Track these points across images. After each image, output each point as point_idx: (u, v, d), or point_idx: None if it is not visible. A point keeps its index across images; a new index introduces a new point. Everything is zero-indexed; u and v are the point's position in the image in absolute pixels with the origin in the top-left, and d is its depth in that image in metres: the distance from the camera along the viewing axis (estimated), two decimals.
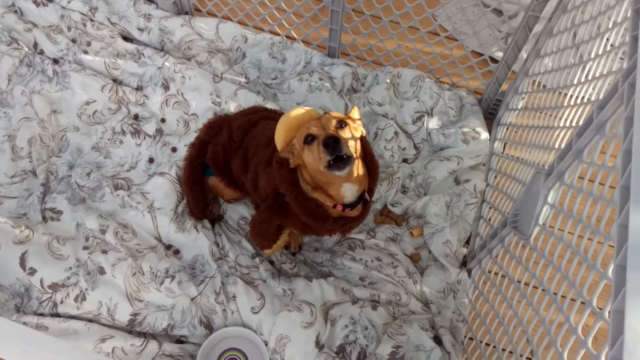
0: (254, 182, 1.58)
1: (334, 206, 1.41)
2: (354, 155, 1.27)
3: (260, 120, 1.68)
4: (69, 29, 2.22)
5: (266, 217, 1.54)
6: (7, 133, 1.96)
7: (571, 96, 1.56)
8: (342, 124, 1.32)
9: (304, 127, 1.34)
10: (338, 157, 1.23)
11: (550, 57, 1.76)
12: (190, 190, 1.76)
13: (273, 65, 2.26)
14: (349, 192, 1.38)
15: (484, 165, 2.05)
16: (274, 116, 1.70)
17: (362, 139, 1.44)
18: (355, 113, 1.42)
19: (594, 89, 1.45)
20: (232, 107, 2.08)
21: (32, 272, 1.59)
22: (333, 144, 1.21)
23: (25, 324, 1.53)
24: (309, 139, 1.30)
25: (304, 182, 1.42)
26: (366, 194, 1.45)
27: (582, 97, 1.49)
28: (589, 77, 1.44)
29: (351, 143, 1.29)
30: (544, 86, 1.78)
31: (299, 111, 1.39)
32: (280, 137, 1.41)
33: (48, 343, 0.66)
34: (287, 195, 1.42)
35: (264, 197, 1.55)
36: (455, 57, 2.11)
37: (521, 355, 1.27)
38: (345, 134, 1.30)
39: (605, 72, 1.36)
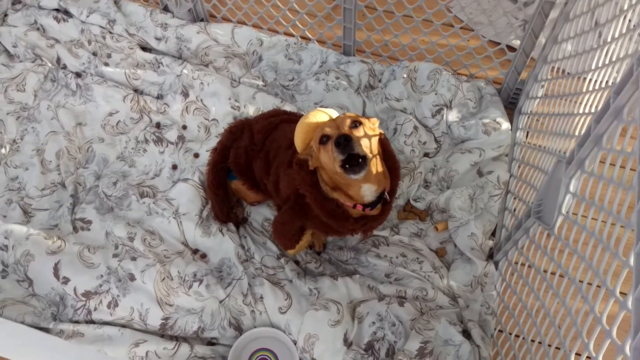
0: (275, 184, 1.60)
1: (354, 206, 1.42)
2: (369, 154, 1.28)
3: (280, 123, 1.70)
4: (89, 42, 2.28)
5: (288, 219, 1.56)
6: (36, 147, 2.02)
7: (591, 80, 1.53)
8: (356, 123, 1.32)
9: (319, 128, 1.35)
10: (351, 156, 1.23)
11: (569, 41, 1.73)
12: (215, 194, 1.79)
13: (289, 66, 2.28)
14: (368, 192, 1.39)
15: (506, 155, 2.03)
16: (294, 119, 1.72)
17: (382, 139, 1.44)
18: (373, 120, 1.42)
19: (614, 70, 1.42)
20: (250, 111, 2.10)
21: (66, 281, 1.64)
22: (344, 143, 1.22)
23: (62, 331, 1.58)
24: (324, 139, 1.31)
25: (323, 183, 1.43)
26: (386, 193, 1.45)
27: (603, 81, 1.46)
28: (610, 60, 1.41)
29: (365, 142, 1.30)
30: (564, 71, 1.75)
31: (317, 115, 1.40)
32: (299, 139, 1.43)
33: (74, 351, 0.68)
34: (307, 196, 1.43)
35: (285, 199, 1.56)
36: (471, 47, 2.09)
37: (549, 346, 1.26)
38: (359, 133, 1.31)
39: (629, 53, 1.33)
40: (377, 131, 1.41)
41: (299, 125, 1.42)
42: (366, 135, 1.32)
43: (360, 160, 1.25)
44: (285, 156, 1.55)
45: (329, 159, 1.29)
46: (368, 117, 1.43)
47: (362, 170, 1.26)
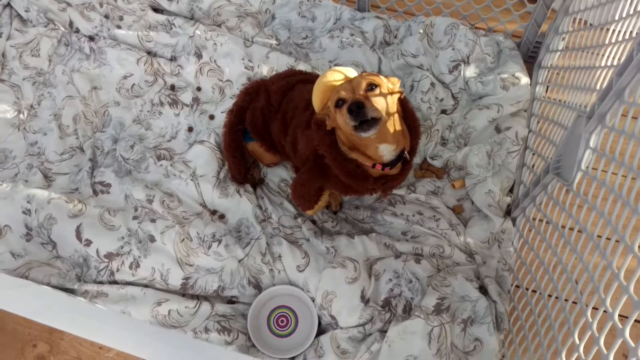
0: (293, 145, 1.60)
1: (373, 166, 1.42)
2: (383, 116, 1.26)
3: (297, 83, 1.68)
4: (100, 5, 2.25)
5: (307, 180, 1.56)
6: (53, 112, 2.04)
7: (614, 31, 1.48)
8: (372, 86, 1.30)
9: (335, 90, 1.34)
10: (363, 122, 1.23)
11: None
12: (232, 157, 1.79)
13: (303, 24, 2.24)
14: (385, 151, 1.38)
15: (525, 111, 1.99)
16: (310, 79, 1.70)
17: (402, 98, 1.43)
18: (394, 79, 1.40)
19: (639, 21, 1.37)
20: (264, 71, 2.08)
21: (88, 243, 1.67)
22: (357, 110, 1.22)
23: (86, 292, 1.63)
24: (340, 103, 1.30)
25: (341, 143, 1.43)
26: (406, 152, 1.44)
27: (627, 33, 1.42)
28: (635, 9, 1.35)
29: (381, 104, 1.28)
30: (586, 23, 1.70)
31: (334, 74, 1.38)
32: (317, 99, 1.42)
33: (95, 312, 0.70)
34: (326, 157, 1.43)
35: (303, 160, 1.56)
36: (490, 0, 2.03)
37: (566, 300, 1.26)
38: (374, 96, 1.29)
39: None
40: (397, 89, 1.39)
41: (317, 85, 1.41)
42: (382, 95, 1.30)
43: (369, 119, 1.24)
44: (302, 117, 1.55)
45: (344, 122, 1.28)
46: (388, 77, 1.41)
47: (371, 129, 1.25)
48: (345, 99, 1.28)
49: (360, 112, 1.22)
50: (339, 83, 1.37)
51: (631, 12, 1.37)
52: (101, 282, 1.67)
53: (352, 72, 1.43)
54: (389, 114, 1.30)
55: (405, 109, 1.44)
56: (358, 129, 1.25)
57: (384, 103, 1.30)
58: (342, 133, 1.40)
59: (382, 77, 1.36)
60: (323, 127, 1.41)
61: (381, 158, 1.40)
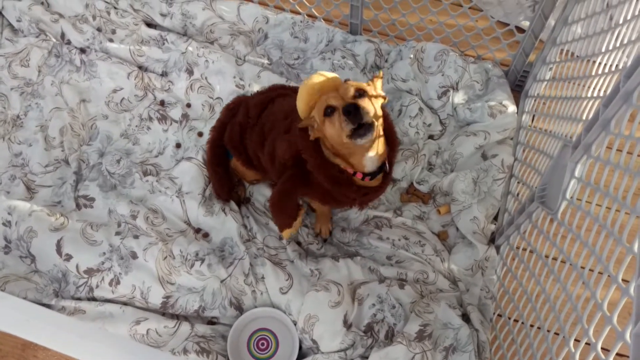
0: (271, 156, 1.57)
1: (354, 174, 1.41)
2: (375, 122, 1.26)
3: (277, 97, 1.67)
4: (94, 17, 2.25)
5: (289, 188, 1.51)
6: (40, 123, 2.02)
7: (600, 64, 1.50)
8: (360, 92, 1.30)
9: (322, 99, 1.32)
10: (360, 126, 1.21)
11: (579, 23, 1.69)
12: (214, 172, 1.78)
13: (295, 45, 2.25)
14: (369, 161, 1.37)
15: (511, 139, 2.01)
16: (291, 93, 1.69)
17: (383, 110, 1.41)
18: (377, 83, 1.39)
19: (624, 54, 1.39)
20: (255, 89, 2.08)
21: (68, 258, 1.65)
22: (354, 111, 1.20)
23: (63, 308, 1.60)
24: (329, 111, 1.28)
25: (325, 148, 1.41)
26: (386, 164, 1.44)
27: (612, 65, 1.44)
28: (620, 43, 1.38)
29: (371, 110, 1.27)
30: (573, 54, 1.72)
31: (320, 77, 1.35)
32: (302, 102, 1.37)
33: (75, 326, 0.69)
34: (309, 162, 1.41)
35: (281, 167, 1.53)
36: (480, 28, 2.06)
37: (548, 331, 1.26)
38: (364, 102, 1.28)
39: (635, 38, 1.30)
40: (381, 96, 1.38)
41: (302, 89, 1.37)
42: (373, 105, 1.29)
43: (365, 124, 1.23)
44: (282, 125, 1.52)
45: (335, 130, 1.26)
46: (370, 82, 1.40)
47: (368, 134, 1.23)
48: (336, 106, 1.26)
49: (357, 115, 1.21)
50: (325, 87, 1.34)
51: (617, 45, 1.39)
52: (79, 299, 1.64)
53: (338, 80, 1.40)
54: (377, 120, 1.30)
55: (385, 122, 1.42)
56: (354, 135, 1.23)
57: (373, 109, 1.29)
58: (327, 143, 1.38)
59: (364, 85, 1.35)
60: (308, 131, 1.39)
61: (364, 167, 1.39)
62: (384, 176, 1.47)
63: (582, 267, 1.16)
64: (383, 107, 1.42)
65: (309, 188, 1.50)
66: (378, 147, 1.36)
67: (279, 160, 1.53)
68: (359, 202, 1.53)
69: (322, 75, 1.35)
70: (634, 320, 0.74)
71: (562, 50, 1.83)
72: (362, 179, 1.42)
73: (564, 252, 1.28)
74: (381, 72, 1.44)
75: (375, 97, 1.34)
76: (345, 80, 1.36)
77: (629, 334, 0.79)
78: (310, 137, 1.38)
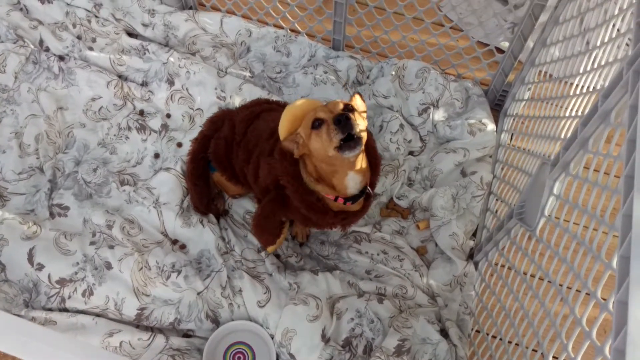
0: (255, 172, 1.57)
1: (335, 199, 1.41)
2: (363, 137, 1.26)
3: (262, 112, 1.67)
4: (74, 25, 2.23)
5: (269, 211, 1.53)
6: (15, 130, 1.97)
7: (577, 85, 1.54)
8: (349, 107, 1.31)
9: (310, 114, 1.32)
10: (349, 136, 1.21)
11: (557, 46, 1.73)
12: (194, 184, 1.76)
13: (277, 59, 2.25)
14: (352, 182, 1.37)
15: (490, 157, 2.04)
16: (277, 108, 1.70)
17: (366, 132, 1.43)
18: (357, 100, 1.40)
19: (600, 77, 1.43)
20: (237, 102, 2.08)
21: (40, 267, 1.60)
22: (345, 121, 1.20)
23: (34, 318, 1.55)
24: (317, 124, 1.28)
25: (306, 174, 1.41)
26: (369, 188, 1.44)
27: (589, 87, 1.47)
28: (596, 65, 1.42)
29: (360, 123, 1.27)
30: (550, 75, 1.76)
31: (303, 102, 1.38)
32: (284, 128, 1.39)
33: (48, 337, 0.66)
34: (287, 188, 1.41)
35: (264, 189, 1.53)
36: (460, 47, 2.09)
37: (527, 347, 1.26)
38: (353, 116, 1.28)
39: (611, 60, 1.34)
40: (363, 108, 1.39)
41: (285, 114, 1.38)
42: (357, 119, 1.30)
43: (354, 136, 1.23)
44: (266, 145, 1.53)
45: (321, 144, 1.26)
46: (351, 99, 1.41)
47: (357, 147, 1.22)
48: (324, 119, 1.26)
49: (348, 124, 1.20)
50: (307, 112, 1.35)
51: (594, 66, 1.43)
52: (50, 309, 1.59)
53: (320, 103, 1.41)
54: (364, 135, 1.30)
55: (368, 144, 1.42)
56: (344, 147, 1.22)
57: (361, 123, 1.29)
58: (311, 161, 1.37)
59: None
60: (287, 156, 1.39)
61: (345, 190, 1.39)
62: (366, 199, 1.48)
63: (561, 285, 1.17)
64: (368, 133, 1.44)
65: (288, 211, 1.50)
66: (362, 165, 1.36)
67: (261, 183, 1.54)
68: (340, 226, 1.53)
69: (307, 101, 1.38)
70: (614, 335, 0.74)
71: (540, 71, 1.87)
72: (344, 204, 1.42)
73: (542, 269, 1.29)
74: (357, 97, 1.44)
75: (361, 113, 1.35)
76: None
77: (608, 349, 0.79)
78: (294, 155, 1.38)
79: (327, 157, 1.27)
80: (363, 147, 1.28)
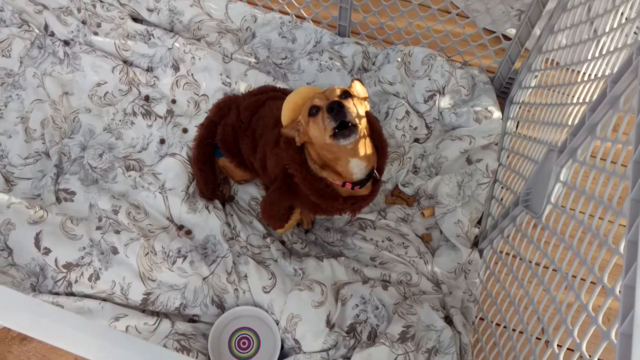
0: (262, 162, 1.58)
1: (343, 184, 1.41)
2: (359, 124, 1.26)
3: (267, 100, 1.67)
4: (78, 10, 2.22)
5: (276, 199, 1.53)
6: (20, 115, 1.98)
7: (584, 73, 1.53)
8: (346, 94, 1.30)
9: (308, 101, 1.33)
10: (343, 125, 1.21)
11: (564, 33, 1.72)
12: (200, 170, 1.76)
13: (283, 45, 2.24)
14: (357, 168, 1.37)
15: (496, 144, 2.03)
16: (281, 95, 1.69)
17: (370, 117, 1.42)
18: (356, 86, 1.40)
19: (607, 64, 1.41)
20: (242, 88, 2.07)
21: (47, 251, 1.61)
22: (338, 108, 1.20)
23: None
24: (314, 111, 1.28)
25: (311, 162, 1.41)
26: (375, 172, 1.44)
27: (596, 75, 1.47)
28: (607, 50, 1.40)
29: (354, 111, 1.27)
30: (557, 63, 1.75)
31: (304, 90, 1.38)
32: (286, 116, 1.40)
33: (58, 315, 0.67)
34: (295, 176, 1.41)
35: (272, 178, 1.54)
36: (467, 34, 2.08)
37: (531, 335, 1.27)
38: (348, 102, 1.28)
39: (627, 43, 1.33)
40: (365, 104, 1.39)
41: (287, 102, 1.40)
42: (357, 109, 1.30)
43: (349, 124, 1.23)
44: (271, 135, 1.53)
45: (319, 131, 1.26)
46: (350, 86, 1.40)
47: (352, 135, 1.22)
48: (320, 106, 1.26)
49: (340, 112, 1.20)
50: (308, 98, 1.36)
51: (603, 52, 1.42)
52: (57, 294, 1.60)
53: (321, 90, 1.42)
54: (360, 121, 1.30)
55: (373, 129, 1.43)
56: (338, 135, 1.22)
57: (356, 110, 1.29)
58: (313, 148, 1.38)
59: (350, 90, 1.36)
60: (293, 144, 1.40)
61: (351, 176, 1.39)
62: (374, 183, 1.48)
63: (566, 272, 1.17)
64: (371, 114, 1.43)
65: (296, 199, 1.51)
66: (365, 150, 1.35)
67: (269, 174, 1.54)
68: (350, 211, 1.53)
69: (308, 88, 1.38)
70: (621, 319, 0.74)
71: (547, 58, 1.86)
72: (352, 189, 1.42)
73: (548, 256, 1.29)
74: (356, 83, 1.43)
75: (361, 100, 1.35)
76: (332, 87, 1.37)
77: (614, 334, 0.80)
78: (296, 143, 1.38)
79: (326, 144, 1.27)
80: (362, 133, 1.28)
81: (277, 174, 1.50)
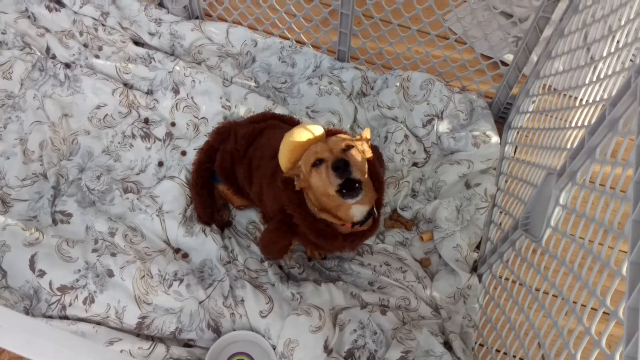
0: (259, 195, 1.58)
1: (343, 224, 1.41)
2: (363, 179, 1.27)
3: (265, 129, 1.67)
4: (80, 33, 2.24)
5: (275, 237, 1.53)
6: (19, 136, 1.98)
7: (581, 99, 1.55)
8: (349, 146, 1.31)
9: (310, 150, 1.33)
10: (348, 181, 1.22)
11: (561, 59, 1.74)
12: (198, 194, 1.76)
13: (283, 69, 2.26)
14: (357, 212, 1.38)
15: (494, 169, 2.03)
16: (280, 124, 1.69)
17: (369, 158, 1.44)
18: (367, 134, 1.41)
19: (604, 90, 1.43)
20: (242, 111, 2.08)
21: (42, 274, 1.59)
22: (343, 167, 1.21)
23: None
24: (317, 163, 1.29)
25: (310, 203, 1.41)
26: (374, 209, 1.44)
27: (597, 97, 1.47)
28: (605, 75, 1.41)
29: (360, 166, 1.28)
30: (555, 89, 1.76)
31: (302, 132, 1.37)
32: (284, 157, 1.40)
33: (53, 334, 0.65)
34: (295, 216, 1.41)
35: (270, 214, 1.54)
36: (465, 60, 2.10)
37: None
38: (353, 156, 1.29)
39: (616, 71, 1.34)
40: (368, 152, 1.40)
41: (284, 144, 1.39)
42: (361, 158, 1.30)
43: (357, 185, 1.24)
44: (268, 167, 1.53)
45: (322, 182, 1.27)
46: (362, 133, 1.42)
47: (359, 195, 1.25)
48: (324, 158, 1.27)
49: (346, 170, 1.22)
50: (307, 142, 1.36)
51: (600, 77, 1.43)
52: (50, 317, 1.57)
53: (319, 130, 1.41)
54: (365, 174, 1.31)
55: (370, 167, 1.44)
56: (346, 196, 1.24)
57: (361, 164, 1.30)
58: (313, 194, 1.38)
59: (352, 139, 1.37)
60: (291, 185, 1.39)
61: (352, 219, 1.40)
62: (374, 220, 1.48)
63: (567, 296, 1.16)
64: (371, 146, 1.45)
65: (296, 237, 1.51)
66: (366, 199, 1.36)
67: (267, 210, 1.55)
68: (349, 248, 1.53)
69: (306, 130, 1.36)
70: (625, 342, 0.73)
71: (544, 84, 1.88)
72: (352, 227, 1.42)
73: (548, 279, 1.28)
74: (367, 130, 1.46)
75: (364, 152, 1.36)
76: (329, 130, 1.38)
77: (619, 357, 0.78)
78: (296, 187, 1.38)
79: (328, 194, 1.28)
80: (365, 182, 1.29)
81: (275, 212, 1.49)
